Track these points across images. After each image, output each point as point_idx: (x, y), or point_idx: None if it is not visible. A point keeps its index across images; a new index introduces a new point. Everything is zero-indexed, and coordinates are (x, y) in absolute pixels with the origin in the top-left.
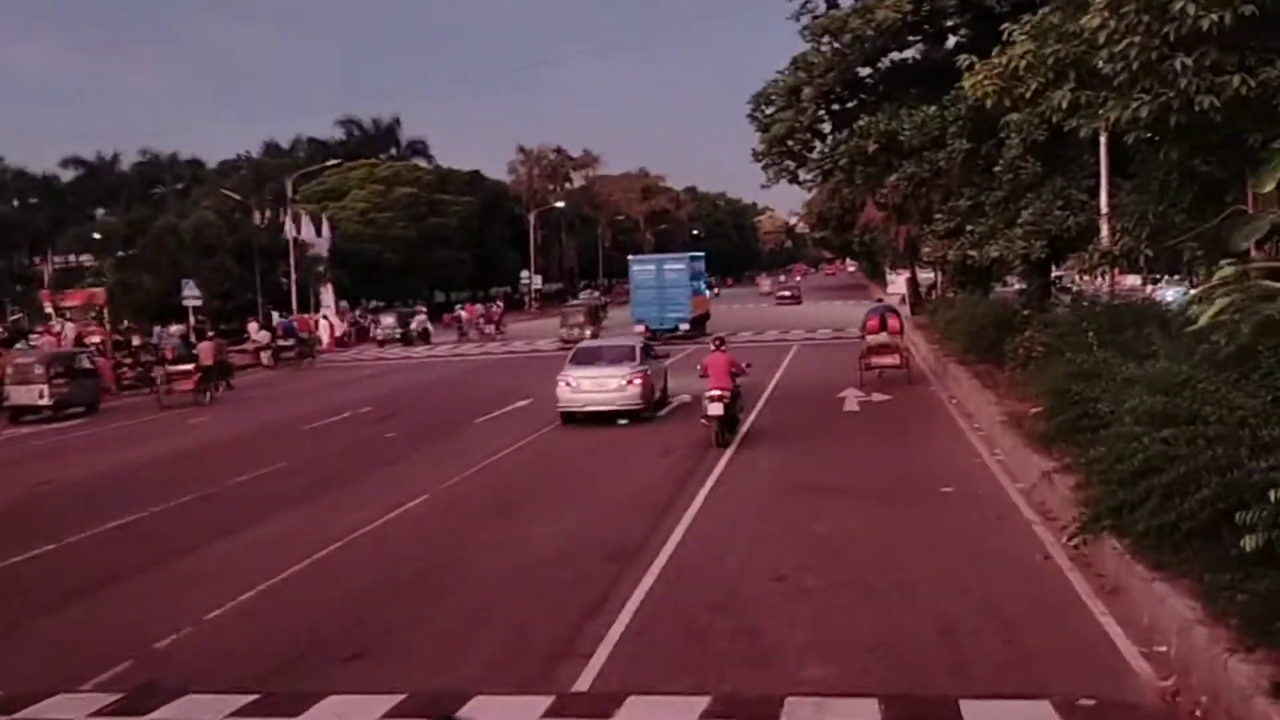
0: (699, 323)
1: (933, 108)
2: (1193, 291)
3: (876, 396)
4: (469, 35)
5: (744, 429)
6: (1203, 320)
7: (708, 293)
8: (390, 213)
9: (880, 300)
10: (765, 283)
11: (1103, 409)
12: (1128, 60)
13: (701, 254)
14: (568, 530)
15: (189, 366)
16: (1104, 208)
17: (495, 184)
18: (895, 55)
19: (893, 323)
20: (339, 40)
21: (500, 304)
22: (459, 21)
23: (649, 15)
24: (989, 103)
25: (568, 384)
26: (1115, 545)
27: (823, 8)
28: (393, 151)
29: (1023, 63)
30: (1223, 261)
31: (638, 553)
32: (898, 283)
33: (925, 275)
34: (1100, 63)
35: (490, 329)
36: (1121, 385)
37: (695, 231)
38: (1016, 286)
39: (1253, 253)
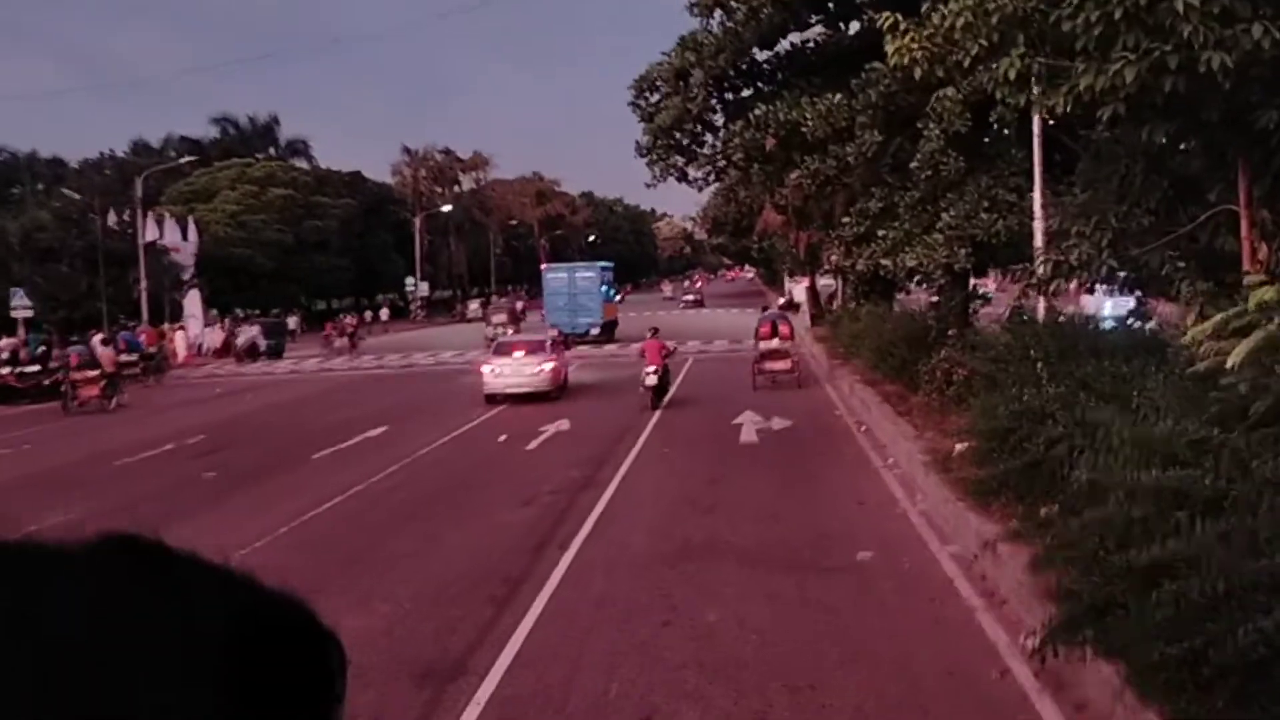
0: (609, 328)
1: (839, 95)
2: (1194, 324)
3: (776, 423)
4: (356, 33)
5: (624, 467)
6: (1232, 360)
7: (616, 300)
8: (263, 215)
9: (766, 309)
10: (667, 288)
11: (1075, 471)
12: (1108, 8)
13: (611, 264)
14: (375, 628)
15: (94, 373)
16: (1038, 210)
17: (379, 186)
18: (795, 38)
19: (783, 329)
20: (217, 37)
21: (361, 315)
22: (345, 19)
23: (544, 17)
24: (917, 73)
25: (492, 370)
26: (1111, 676)
27: None
28: (271, 151)
29: (960, 21)
30: (1249, 279)
31: (461, 667)
32: (795, 290)
33: (825, 283)
34: (1062, 20)
35: (342, 343)
36: (1097, 437)
37: (592, 238)
38: (924, 297)
39: (1246, 266)
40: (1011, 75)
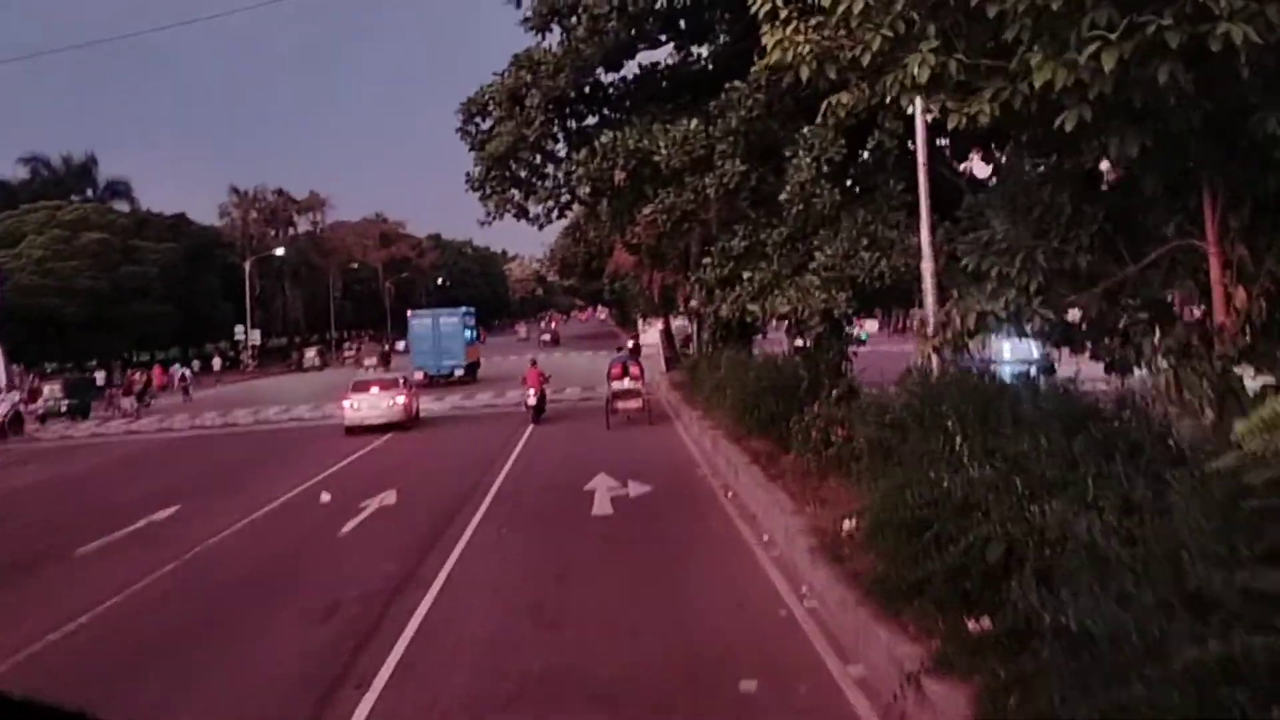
0: (471, 369)
1: (695, 121)
2: (1167, 388)
3: (634, 488)
4: (184, 68)
5: (454, 555)
6: None
7: (477, 342)
8: (75, 261)
9: (621, 349)
10: (522, 329)
11: (1021, 586)
12: None
13: (472, 309)
14: None
15: None
16: (925, 248)
17: (206, 229)
18: (645, 58)
19: (634, 370)
20: (29, 67)
21: (145, 373)
22: (173, 53)
23: (385, 54)
24: (804, 73)
25: (352, 404)
26: None
27: None
28: (89, 193)
29: (857, 6)
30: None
31: None
32: (645, 334)
33: (681, 324)
34: (987, 4)
35: (127, 404)
36: (1050, 542)
37: (440, 280)
38: (785, 339)
39: (1220, 317)
40: (922, 77)
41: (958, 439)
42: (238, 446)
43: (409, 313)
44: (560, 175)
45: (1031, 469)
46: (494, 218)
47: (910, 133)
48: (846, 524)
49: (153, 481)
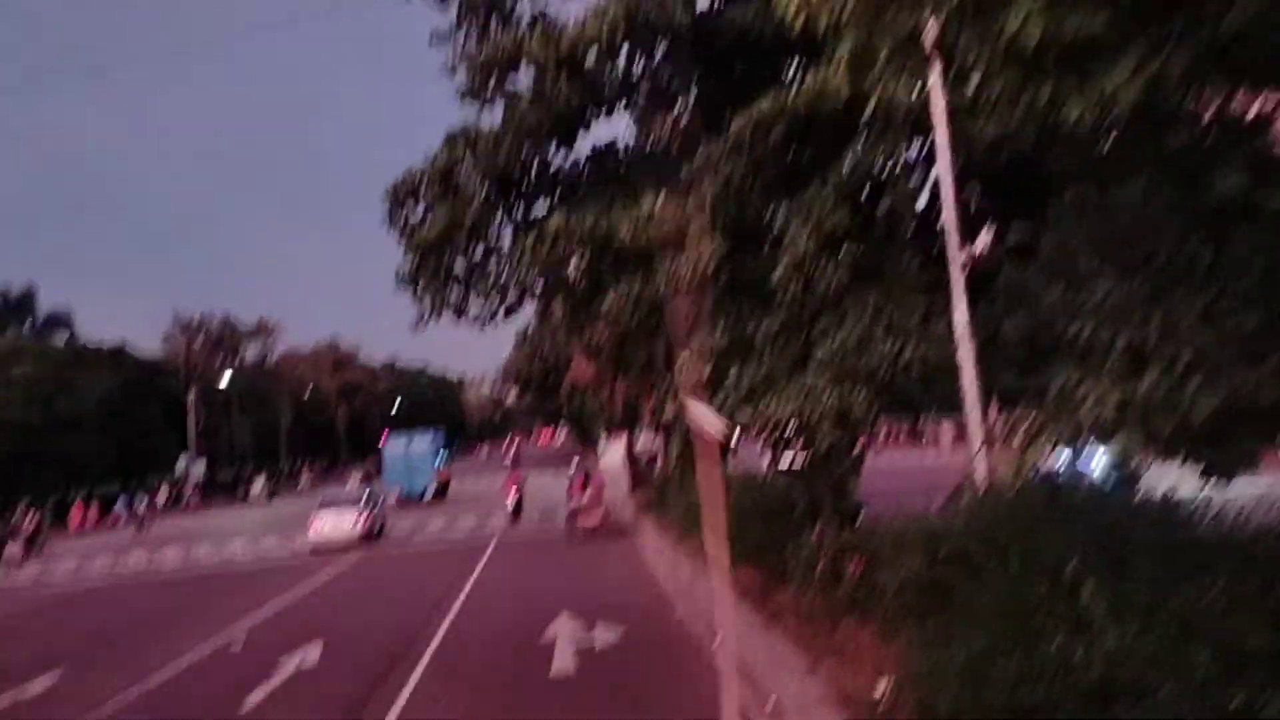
0: (443, 489)
1: (663, 196)
2: None
3: (600, 635)
4: (129, 196)
5: None
6: None
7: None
8: (4, 394)
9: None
10: (483, 453)
11: None
12: None
13: (443, 431)
14: None
15: None
16: (961, 330)
17: (147, 360)
18: (602, 135)
19: (595, 484)
20: None
21: (38, 514)
22: (120, 180)
23: (334, 190)
24: (842, 90)
25: (315, 524)
26: None
27: (485, 50)
28: (28, 325)
29: None
30: None
31: None
32: (608, 452)
33: (644, 441)
34: None
35: (14, 551)
36: None
37: (395, 408)
38: (763, 457)
39: None
40: (1030, 36)
41: (1085, 589)
42: (150, 597)
43: (385, 434)
44: (505, 268)
45: (1216, 633)
46: (431, 318)
47: (930, 194)
48: (880, 685)
49: (37, 643)
